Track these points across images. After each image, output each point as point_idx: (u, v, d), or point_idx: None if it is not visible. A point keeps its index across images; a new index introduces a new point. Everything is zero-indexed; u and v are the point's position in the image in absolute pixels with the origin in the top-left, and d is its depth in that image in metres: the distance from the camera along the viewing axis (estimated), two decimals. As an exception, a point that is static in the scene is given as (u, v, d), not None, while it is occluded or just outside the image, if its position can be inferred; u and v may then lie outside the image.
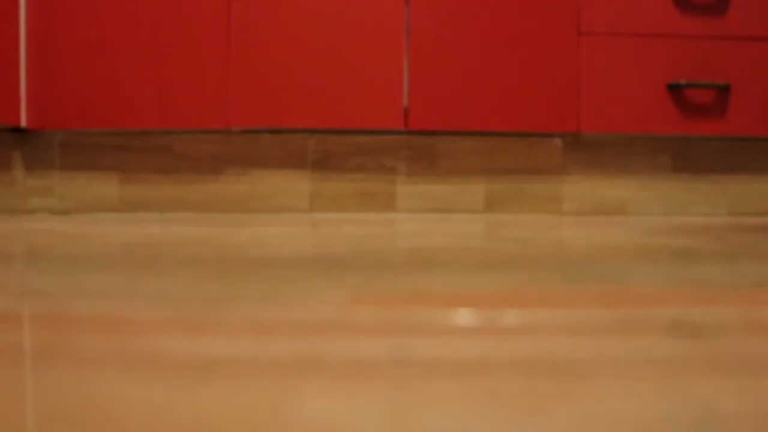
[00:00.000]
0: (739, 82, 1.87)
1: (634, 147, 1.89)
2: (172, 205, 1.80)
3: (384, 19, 1.80)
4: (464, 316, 0.57)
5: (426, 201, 1.86)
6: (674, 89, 1.84)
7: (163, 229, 1.30)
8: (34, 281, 0.75)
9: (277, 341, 0.51)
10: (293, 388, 0.40)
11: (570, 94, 1.82)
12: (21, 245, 1.07)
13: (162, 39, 1.77)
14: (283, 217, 1.72)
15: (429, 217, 1.77)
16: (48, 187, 1.81)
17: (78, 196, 1.79)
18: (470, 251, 1.04)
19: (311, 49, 1.79)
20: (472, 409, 0.37)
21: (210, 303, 0.63)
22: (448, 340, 0.50)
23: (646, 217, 1.85)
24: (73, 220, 1.57)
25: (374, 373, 0.43)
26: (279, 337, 0.52)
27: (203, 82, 1.77)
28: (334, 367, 0.44)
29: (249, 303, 0.64)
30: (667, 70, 1.84)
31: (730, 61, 1.86)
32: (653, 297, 0.70)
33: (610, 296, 0.70)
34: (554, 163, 1.88)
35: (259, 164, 1.84)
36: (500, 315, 0.57)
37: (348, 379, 0.42)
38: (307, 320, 0.56)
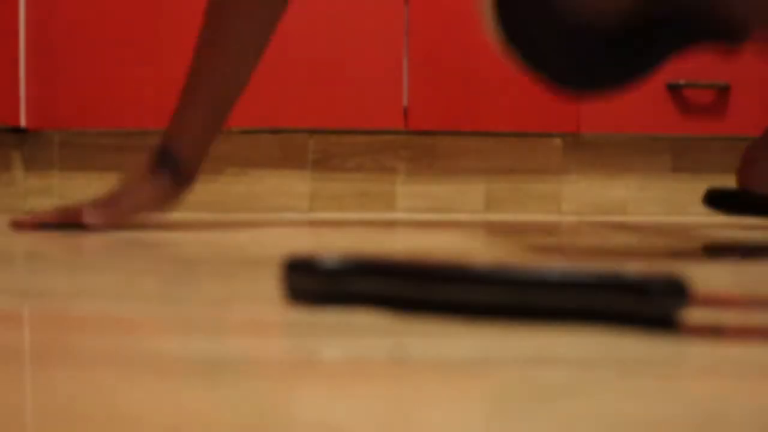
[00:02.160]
0: (739, 82, 1.87)
1: (633, 147, 1.89)
2: (172, 205, 1.80)
3: (384, 19, 1.80)
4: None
5: (426, 201, 1.86)
6: (674, 89, 1.84)
7: (163, 229, 1.30)
8: (34, 281, 0.75)
9: (277, 341, 0.51)
10: (293, 388, 0.40)
11: (570, 94, 1.82)
12: (21, 245, 1.07)
13: (162, 39, 1.77)
14: (283, 217, 1.72)
15: (429, 217, 1.77)
16: (48, 187, 1.81)
17: (78, 196, 1.79)
18: (470, 251, 1.04)
19: (311, 49, 1.79)
20: (472, 409, 0.37)
21: (209, 303, 0.63)
22: (448, 340, 0.50)
23: (646, 217, 1.86)
24: (72, 220, 1.56)
25: (374, 373, 0.43)
26: (279, 337, 0.52)
27: (203, 82, 1.77)
28: (333, 367, 0.44)
29: (249, 303, 0.64)
30: (667, 70, 1.84)
31: (729, 61, 1.86)
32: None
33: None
34: (554, 163, 1.88)
35: (259, 164, 1.84)
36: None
37: (348, 379, 0.42)
38: (307, 320, 0.56)
